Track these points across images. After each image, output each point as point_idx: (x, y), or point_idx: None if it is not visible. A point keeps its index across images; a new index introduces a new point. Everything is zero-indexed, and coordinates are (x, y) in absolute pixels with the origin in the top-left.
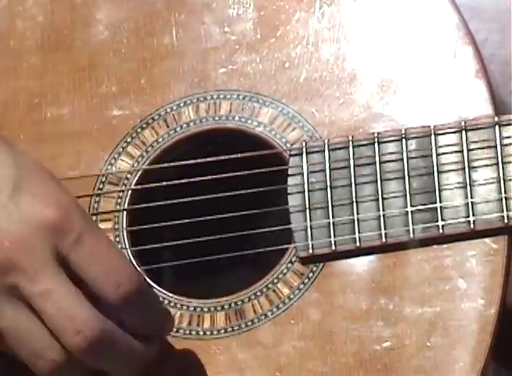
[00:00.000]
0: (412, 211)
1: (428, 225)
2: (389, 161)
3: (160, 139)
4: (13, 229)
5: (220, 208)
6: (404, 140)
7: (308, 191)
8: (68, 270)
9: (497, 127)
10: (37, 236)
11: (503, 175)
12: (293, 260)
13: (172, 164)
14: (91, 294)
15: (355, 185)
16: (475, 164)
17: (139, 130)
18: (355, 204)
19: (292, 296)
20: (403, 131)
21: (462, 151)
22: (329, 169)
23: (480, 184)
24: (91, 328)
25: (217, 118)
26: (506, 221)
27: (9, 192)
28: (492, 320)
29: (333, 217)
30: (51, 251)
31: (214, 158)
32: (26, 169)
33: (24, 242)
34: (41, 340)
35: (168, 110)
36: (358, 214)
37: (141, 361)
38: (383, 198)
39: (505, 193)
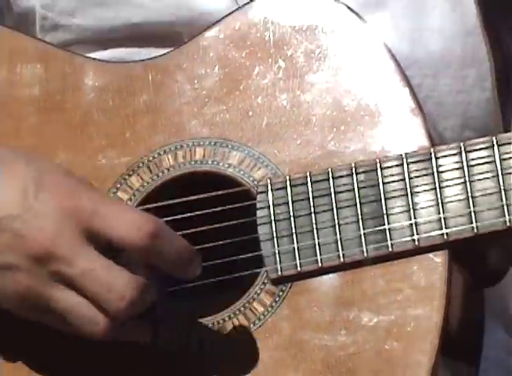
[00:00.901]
0: (364, 234)
1: (379, 245)
2: (342, 192)
3: (145, 184)
4: (43, 224)
5: (202, 239)
6: (354, 174)
7: (275, 221)
8: (96, 243)
9: (434, 157)
10: (64, 225)
11: (441, 197)
12: (265, 282)
13: (156, 204)
14: (121, 255)
15: (315, 214)
16: (416, 189)
17: (126, 177)
18: (315, 230)
19: (266, 313)
20: (353, 166)
21: (404, 179)
22: (292, 202)
23: (421, 207)
24: (131, 292)
25: (193, 163)
26: (445, 237)
27: (33, 193)
28: (439, 325)
29: (297, 243)
30: (78, 234)
31: (192, 197)
32: (43, 170)
33: (55, 233)
34: (91, 313)
35: (151, 158)
36: (318, 239)
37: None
38: (339, 224)
39: (443, 213)
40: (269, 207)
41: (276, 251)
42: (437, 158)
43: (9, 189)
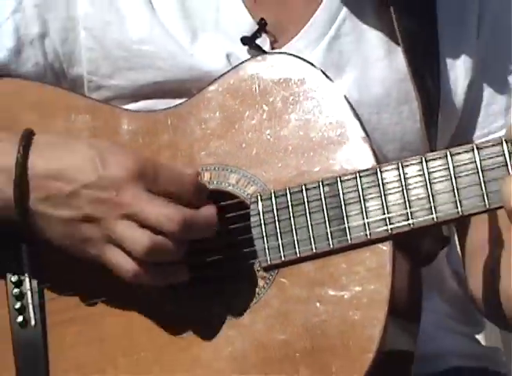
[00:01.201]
0: (330, 231)
1: (341, 239)
2: (313, 201)
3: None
4: (115, 185)
5: (212, 239)
6: (321, 187)
7: (264, 224)
8: (154, 193)
9: (379, 172)
10: (130, 183)
11: (385, 202)
12: (258, 269)
13: None
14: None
15: (293, 218)
16: (367, 197)
17: None
18: (294, 230)
19: (260, 292)
20: (320, 181)
21: (358, 190)
22: (276, 209)
23: (371, 210)
24: (178, 216)
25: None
26: (389, 232)
27: (101, 165)
28: (388, 296)
29: (281, 240)
30: (142, 188)
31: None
32: (101, 146)
33: (125, 190)
34: (145, 234)
35: None
36: (297, 236)
37: (210, 224)
38: (311, 225)
39: (387, 213)
40: (259, 214)
41: (266, 247)
42: (382, 172)
43: (80, 164)
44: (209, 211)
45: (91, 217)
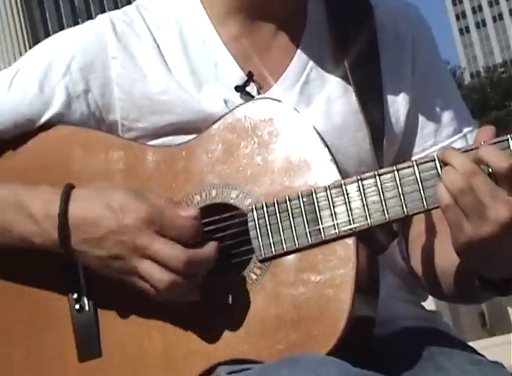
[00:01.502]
0: (309, 231)
1: (317, 236)
2: (295, 209)
3: None
4: (132, 231)
5: (219, 240)
6: (300, 198)
7: (259, 228)
8: (162, 235)
9: (343, 185)
10: (143, 229)
11: (350, 208)
12: (255, 262)
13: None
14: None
15: (280, 222)
16: (335, 204)
17: None
18: (281, 231)
19: (257, 279)
20: (300, 193)
21: (328, 199)
22: (267, 216)
23: (339, 214)
24: (183, 256)
25: (211, 199)
26: (353, 230)
27: (120, 215)
28: (354, 277)
29: (272, 239)
30: (153, 232)
31: (212, 218)
32: (121, 199)
33: (139, 235)
34: (163, 273)
35: (189, 197)
36: (284, 236)
37: (210, 259)
38: (294, 227)
39: (351, 216)
40: (255, 220)
41: (261, 245)
42: (345, 185)
43: (106, 214)
44: (209, 248)
45: (118, 256)
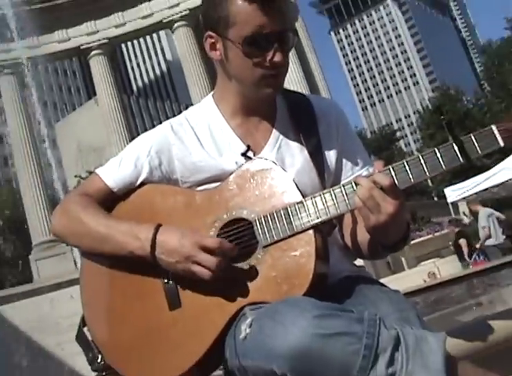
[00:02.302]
0: (287, 227)
1: (291, 229)
2: (280, 217)
3: (217, 225)
4: (187, 249)
5: (239, 239)
6: (281, 211)
7: (260, 229)
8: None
9: (304, 202)
10: (192, 248)
11: (309, 213)
12: (261, 248)
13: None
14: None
15: (272, 225)
16: (299, 210)
17: (213, 223)
18: (273, 230)
19: (260, 256)
20: (280, 209)
21: (296, 210)
22: (264, 223)
23: (302, 217)
24: (216, 259)
25: (232, 215)
26: (314, 224)
27: (182, 240)
28: (314, 252)
29: (268, 234)
30: (197, 248)
31: (234, 226)
32: (181, 232)
33: (190, 251)
34: (204, 270)
35: (219, 216)
36: (274, 231)
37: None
38: (279, 227)
39: (310, 216)
40: (257, 226)
41: (261, 238)
42: (305, 201)
43: (175, 240)
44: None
45: (180, 261)
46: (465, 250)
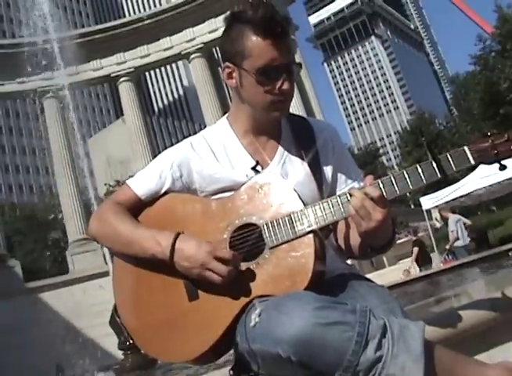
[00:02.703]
0: (291, 231)
1: (294, 233)
2: (283, 223)
3: (229, 229)
4: (201, 257)
5: (248, 242)
6: (285, 217)
7: (268, 235)
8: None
9: (306, 209)
10: (205, 256)
11: (309, 220)
12: (268, 249)
13: (234, 233)
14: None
15: (277, 229)
16: (301, 217)
17: (226, 228)
18: (278, 234)
19: (267, 257)
20: (285, 215)
21: (298, 216)
22: (271, 227)
23: (303, 223)
24: (227, 268)
25: (244, 221)
26: (311, 229)
27: (198, 249)
28: (313, 252)
29: (273, 237)
30: (211, 258)
31: (245, 229)
32: (197, 241)
33: (204, 258)
34: (215, 276)
35: (232, 222)
36: (279, 234)
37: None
38: (284, 231)
39: (309, 222)
40: (265, 230)
41: (268, 240)
42: (306, 209)
43: (191, 248)
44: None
45: (195, 267)
46: (413, 257)
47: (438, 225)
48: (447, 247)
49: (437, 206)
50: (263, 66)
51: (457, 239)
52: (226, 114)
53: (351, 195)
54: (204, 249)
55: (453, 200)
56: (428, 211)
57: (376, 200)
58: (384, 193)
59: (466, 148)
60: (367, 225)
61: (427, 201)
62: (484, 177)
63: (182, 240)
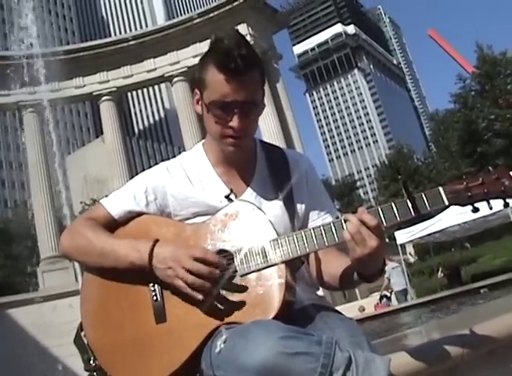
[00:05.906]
0: (263, 260)
1: (267, 263)
2: (256, 252)
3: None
4: (178, 257)
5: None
6: (258, 247)
7: (240, 259)
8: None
9: (278, 239)
10: (183, 256)
11: (282, 252)
12: (239, 276)
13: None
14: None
15: (248, 258)
16: (274, 248)
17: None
18: (249, 262)
19: (239, 285)
20: (259, 247)
21: (272, 247)
22: (244, 255)
23: (276, 253)
24: (203, 267)
25: (216, 247)
26: (283, 260)
27: (175, 252)
28: (284, 280)
29: (245, 265)
30: (189, 259)
31: (227, 253)
32: (174, 245)
33: (181, 259)
34: (188, 289)
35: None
36: (250, 263)
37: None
38: (254, 260)
39: (283, 256)
40: (236, 257)
41: (239, 268)
42: (280, 239)
43: (168, 252)
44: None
45: (171, 266)
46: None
47: (411, 259)
48: (382, 293)
49: (411, 241)
50: (214, 101)
51: (387, 287)
52: (202, 141)
53: (346, 221)
54: (182, 250)
55: (428, 235)
56: (402, 246)
57: (371, 228)
58: (383, 222)
59: (441, 189)
60: (361, 252)
61: (402, 236)
62: (458, 214)
63: (160, 246)
